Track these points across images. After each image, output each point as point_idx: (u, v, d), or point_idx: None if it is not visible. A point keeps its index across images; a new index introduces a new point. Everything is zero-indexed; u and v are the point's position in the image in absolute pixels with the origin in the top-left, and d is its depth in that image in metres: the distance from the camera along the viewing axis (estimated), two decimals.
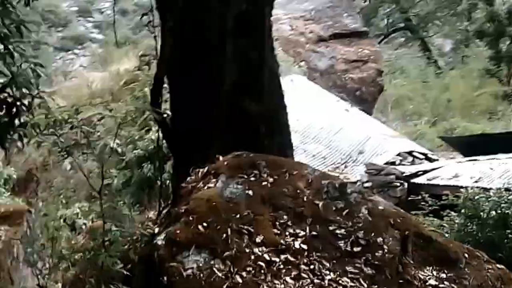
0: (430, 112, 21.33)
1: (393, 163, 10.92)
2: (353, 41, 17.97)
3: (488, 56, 23.12)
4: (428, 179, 8.98)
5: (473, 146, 10.43)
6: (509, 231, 5.97)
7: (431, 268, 3.27)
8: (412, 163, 10.99)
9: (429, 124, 19.21)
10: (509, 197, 6.09)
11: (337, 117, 12.74)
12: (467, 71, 25.52)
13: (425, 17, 29.37)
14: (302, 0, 19.62)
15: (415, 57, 29.92)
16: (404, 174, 9.24)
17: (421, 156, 11.32)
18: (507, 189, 6.28)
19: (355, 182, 9.76)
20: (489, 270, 3.28)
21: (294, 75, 14.71)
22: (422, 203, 7.15)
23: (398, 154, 11.15)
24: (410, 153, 11.39)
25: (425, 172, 9.47)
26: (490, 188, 6.87)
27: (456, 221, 6.34)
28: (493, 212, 6.09)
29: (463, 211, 6.31)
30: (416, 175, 9.32)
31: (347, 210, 3.58)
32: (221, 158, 4.12)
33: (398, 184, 9.06)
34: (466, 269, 3.30)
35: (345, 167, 10.70)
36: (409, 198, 7.88)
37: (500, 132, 11.11)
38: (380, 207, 3.65)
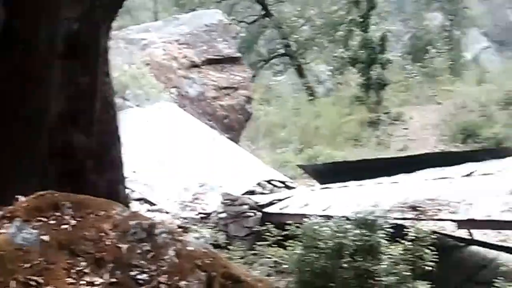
0: (299, 139, 22.00)
1: (252, 192, 11.01)
2: (225, 67, 17.91)
3: (359, 83, 24.26)
4: (280, 208, 9.09)
5: (327, 174, 10.78)
6: (343, 260, 6.09)
7: None
8: (271, 191, 11.14)
9: (295, 152, 19.78)
10: (345, 226, 6.23)
11: (204, 146, 12.79)
12: (338, 98, 26.74)
13: (304, 43, 30.38)
14: (179, 23, 19.36)
15: (292, 84, 30.99)
16: (258, 204, 9.29)
17: (280, 185, 11.53)
18: (345, 218, 6.41)
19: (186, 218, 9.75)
20: None
21: (163, 102, 14.69)
22: (267, 233, 7.20)
23: (258, 184, 11.28)
24: (269, 181, 11.56)
25: (279, 200, 9.59)
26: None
27: (296, 251, 6.39)
28: (330, 242, 6.21)
29: (303, 240, 6.39)
30: (270, 204, 9.39)
31: (153, 253, 3.39)
32: (21, 198, 3.79)
33: (252, 214, 9.10)
34: None
35: (205, 196, 10.66)
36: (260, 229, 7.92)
37: (358, 159, 11.58)
38: (189, 248, 3.48)
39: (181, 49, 17.72)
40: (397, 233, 6.44)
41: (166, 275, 3.24)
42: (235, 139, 15.76)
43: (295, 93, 29.02)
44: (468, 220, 7.43)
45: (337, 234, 6.22)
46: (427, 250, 6.21)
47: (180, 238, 3.53)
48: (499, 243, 10.61)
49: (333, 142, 21.61)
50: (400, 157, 10.86)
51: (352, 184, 9.81)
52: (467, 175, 8.67)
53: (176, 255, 3.35)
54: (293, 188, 11.51)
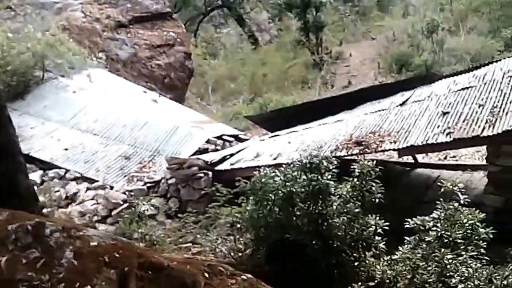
0: (248, 89, 21.69)
1: (205, 151, 10.71)
2: (156, 24, 16.55)
3: (298, 28, 23.91)
4: (231, 164, 8.81)
5: (275, 121, 10.54)
6: (296, 208, 5.92)
7: None
8: (223, 147, 10.86)
9: (246, 102, 19.49)
10: (293, 173, 6.02)
11: (143, 111, 12.09)
12: (281, 44, 26.40)
13: None
14: None
15: (235, 35, 30.32)
16: (209, 163, 8.96)
17: (231, 139, 11.25)
18: (292, 164, 6.18)
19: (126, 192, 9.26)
20: (233, 286, 3.01)
21: (91, 69, 13.42)
22: (217, 193, 6.92)
23: (207, 141, 10.95)
24: (220, 137, 11.26)
25: (232, 155, 9.31)
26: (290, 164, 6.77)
27: (248, 207, 6.16)
28: (280, 192, 6.00)
29: (253, 195, 6.15)
30: (222, 161, 9.11)
31: (43, 260, 2.82)
32: None
33: (202, 174, 8.72)
34: None
35: (153, 164, 10.22)
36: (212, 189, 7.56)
37: (301, 103, 11.34)
38: (93, 243, 2.96)
39: (102, 9, 16.15)
40: (345, 171, 6.33)
41: (63, 284, 2.71)
42: (180, 98, 15.12)
43: (239, 44, 28.45)
44: (408, 147, 7.36)
45: (286, 183, 6.00)
46: (373, 183, 6.06)
47: (80, 234, 2.99)
48: (439, 162, 10.75)
49: (281, 88, 21.43)
50: (340, 95, 10.69)
51: (299, 128, 9.62)
52: (402, 104, 8.57)
53: (75, 256, 2.83)
54: (246, 140, 11.24)
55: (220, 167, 8.99)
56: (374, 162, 6.19)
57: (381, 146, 7.63)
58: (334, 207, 5.88)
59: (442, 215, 5.49)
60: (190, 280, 3.02)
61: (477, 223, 5.45)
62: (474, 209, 5.55)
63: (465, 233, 5.31)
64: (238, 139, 11.40)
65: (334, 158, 6.23)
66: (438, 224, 5.32)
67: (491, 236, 5.42)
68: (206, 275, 3.09)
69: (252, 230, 6.24)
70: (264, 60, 23.75)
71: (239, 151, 9.40)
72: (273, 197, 6.07)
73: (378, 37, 24.49)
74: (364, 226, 5.76)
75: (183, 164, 8.92)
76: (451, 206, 5.53)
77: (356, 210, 5.87)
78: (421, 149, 7.45)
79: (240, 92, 22.10)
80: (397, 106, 8.60)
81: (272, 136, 9.85)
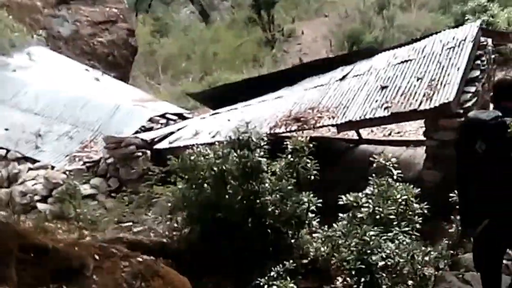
0: (199, 68, 21.17)
1: (148, 130, 10.28)
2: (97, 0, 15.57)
3: (250, 5, 23.39)
4: (170, 142, 8.43)
5: (217, 98, 10.16)
6: (228, 187, 5.62)
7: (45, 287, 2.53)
8: (166, 126, 10.44)
9: (196, 81, 19.01)
10: (224, 150, 5.71)
11: (85, 89, 11.57)
12: (233, 22, 25.84)
13: None
14: None
15: (186, 13, 29.58)
16: (148, 141, 8.56)
17: (175, 117, 10.83)
18: (226, 141, 5.85)
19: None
20: (126, 268, 2.69)
21: (32, 47, 12.88)
22: (150, 172, 6.56)
23: (150, 120, 10.51)
24: (163, 115, 10.83)
25: (172, 133, 8.93)
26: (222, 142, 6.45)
27: (179, 186, 5.83)
28: (211, 170, 5.70)
29: (184, 173, 5.82)
30: (162, 140, 8.72)
31: None
32: None
33: (140, 154, 8.34)
34: (94, 276, 2.65)
35: (95, 143, 9.76)
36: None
37: (242, 79, 10.96)
38: None
39: None
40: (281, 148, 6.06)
41: None
42: (125, 76, 14.56)
43: (191, 22, 27.76)
44: (346, 122, 7.13)
45: (216, 160, 5.68)
46: (308, 160, 5.80)
47: None
48: (384, 138, 10.62)
49: (232, 66, 20.97)
50: (282, 71, 10.39)
51: (240, 105, 9.28)
52: (341, 79, 8.32)
53: None
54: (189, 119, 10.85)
55: (159, 146, 8.61)
56: (308, 138, 5.92)
57: (319, 122, 7.38)
58: (267, 185, 5.60)
59: (376, 191, 5.29)
60: (77, 263, 2.74)
61: (411, 199, 5.28)
62: (410, 185, 5.37)
63: (397, 209, 5.12)
64: (182, 117, 10.99)
65: (269, 135, 5.96)
66: (370, 200, 5.10)
67: (425, 211, 5.28)
68: (97, 257, 2.77)
69: (185, 209, 5.91)
70: (215, 38, 23.17)
71: (179, 129, 9.02)
72: (204, 176, 5.76)
73: (330, 14, 24.15)
74: (297, 203, 5.51)
75: (120, 143, 8.50)
76: (384, 182, 5.34)
77: (289, 187, 5.61)
78: (360, 124, 7.23)
79: (191, 71, 21.56)
80: (337, 81, 8.36)
81: (213, 114, 9.49)
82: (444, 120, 6.77)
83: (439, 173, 6.97)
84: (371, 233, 3.89)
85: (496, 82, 4.02)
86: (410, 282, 3.45)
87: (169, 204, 6.02)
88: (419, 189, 5.34)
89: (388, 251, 3.48)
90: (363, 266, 3.54)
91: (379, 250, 3.70)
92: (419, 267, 3.40)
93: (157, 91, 17.28)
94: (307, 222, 5.56)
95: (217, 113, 9.40)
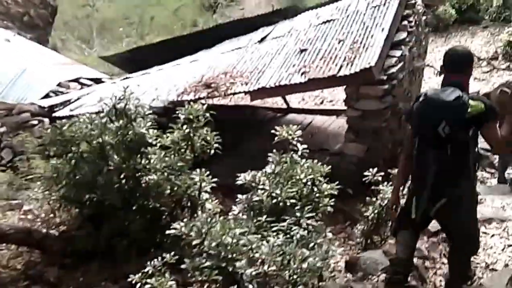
0: (137, 33, 19.74)
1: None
2: None
3: None
4: (71, 110, 7.30)
5: (133, 61, 9.03)
6: (108, 163, 4.62)
7: None
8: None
9: (131, 47, 17.62)
10: (102, 120, 4.69)
11: None
12: None
13: None
14: None
15: None
16: (45, 109, 7.40)
17: (90, 83, 9.62)
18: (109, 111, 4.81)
19: None
20: None
21: None
22: (26, 144, 5.47)
23: (59, 85, 9.28)
24: (76, 80, 9.61)
25: (75, 101, 7.78)
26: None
27: (52, 161, 4.79)
28: (87, 143, 4.69)
29: (56, 146, 4.78)
30: (64, 107, 7.57)
31: None
32: None
33: (36, 122, 7.19)
34: None
35: None
36: None
37: (159, 41, 9.82)
38: None
39: None
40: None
41: None
42: (43, 38, 13.11)
43: None
44: (260, 89, 6.19)
45: (92, 131, 4.65)
46: (206, 131, 4.86)
47: None
48: (315, 107, 9.80)
49: (171, 31, 19.62)
50: (203, 31, 9.33)
51: (153, 69, 8.21)
52: (260, 41, 7.36)
53: None
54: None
55: (59, 113, 7.46)
56: (205, 106, 4.93)
57: (231, 89, 6.42)
58: (152, 161, 4.63)
59: (277, 169, 4.42)
60: None
61: (320, 178, 4.44)
62: (316, 162, 4.52)
63: (300, 191, 4.26)
64: (98, 83, 9.78)
65: (176, 102, 4.95)
66: (267, 182, 4.21)
67: (334, 192, 4.47)
68: None
69: (60, 189, 4.88)
70: (153, 2, 21.67)
71: (83, 95, 7.87)
72: (79, 150, 4.74)
73: None
74: (187, 182, 4.57)
75: (12, 110, 7.31)
76: (287, 159, 4.47)
77: (180, 163, 4.65)
78: (274, 91, 6.29)
79: (129, 35, 20.07)
80: (255, 43, 7.39)
81: (124, 79, 8.38)
82: (365, 87, 5.94)
83: (362, 146, 6.18)
84: (237, 231, 2.97)
85: (446, 52, 3.44)
86: None
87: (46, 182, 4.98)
88: (329, 167, 4.53)
89: (258, 255, 2.61)
90: (221, 277, 2.65)
91: (248, 253, 2.80)
92: (295, 276, 2.56)
93: (89, 57, 15.83)
94: (200, 205, 4.63)
95: (128, 77, 8.30)
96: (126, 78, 8.33)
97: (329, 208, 4.56)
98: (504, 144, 3.18)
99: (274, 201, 4.03)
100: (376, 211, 4.61)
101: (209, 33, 8.66)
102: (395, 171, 4.78)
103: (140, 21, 20.62)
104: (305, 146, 4.58)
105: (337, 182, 4.56)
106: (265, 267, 2.65)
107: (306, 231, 3.87)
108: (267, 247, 2.68)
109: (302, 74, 6.06)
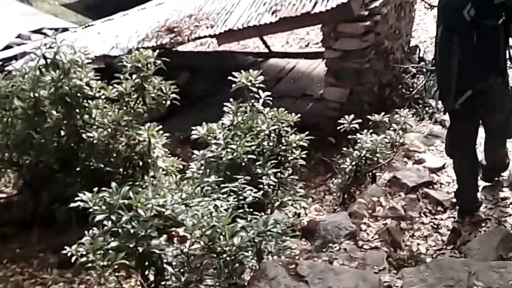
0: None
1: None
2: None
3: None
4: (25, 63, 6.68)
5: (101, 7, 8.36)
6: (45, 120, 4.14)
7: None
8: None
9: None
10: (35, 73, 4.17)
11: None
12: None
13: None
14: None
15: None
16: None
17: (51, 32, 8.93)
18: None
19: None
20: None
21: None
22: None
23: (19, 36, 8.63)
24: (39, 31, 8.94)
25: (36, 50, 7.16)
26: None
27: None
28: (19, 99, 4.19)
29: None
30: (16, 60, 6.98)
31: None
32: None
33: None
34: None
35: None
36: None
37: None
38: None
39: None
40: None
41: None
42: None
43: None
44: (226, 32, 5.59)
45: (23, 85, 4.13)
46: (161, 80, 4.33)
47: None
48: (299, 51, 9.17)
49: None
50: None
51: (118, 15, 7.56)
52: None
53: None
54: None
55: (12, 67, 6.85)
56: (156, 52, 4.36)
57: (195, 33, 5.82)
58: (93, 116, 4.12)
59: (236, 119, 3.91)
60: None
61: (285, 128, 3.94)
62: (283, 110, 4.01)
63: (261, 144, 3.77)
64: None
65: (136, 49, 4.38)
66: (221, 135, 3.71)
67: (304, 144, 3.98)
68: None
69: None
70: None
71: (38, 47, 7.23)
72: (11, 106, 4.23)
73: None
74: (135, 139, 4.08)
75: None
76: (247, 108, 3.95)
77: (125, 118, 4.14)
78: (242, 33, 5.68)
79: None
80: None
81: (86, 27, 7.74)
82: (344, 25, 5.34)
83: (344, 90, 5.65)
84: (177, 196, 2.47)
85: None
86: (209, 281, 2.13)
87: None
88: (298, 116, 4.02)
89: (189, 225, 2.11)
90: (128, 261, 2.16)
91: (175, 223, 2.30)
92: (225, 254, 2.07)
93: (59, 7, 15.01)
94: (151, 164, 4.14)
95: (90, 25, 7.66)
96: (88, 26, 7.68)
97: (300, 161, 4.15)
98: None
99: (230, 156, 3.56)
100: (353, 163, 4.12)
101: None
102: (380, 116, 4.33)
103: None
104: (269, 93, 4.06)
105: (307, 132, 4.08)
106: (187, 244, 2.18)
107: (267, 189, 3.42)
108: (191, 219, 2.19)
109: (273, 13, 5.45)
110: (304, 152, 4.01)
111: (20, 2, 11.81)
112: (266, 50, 8.88)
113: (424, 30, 8.34)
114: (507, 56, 3.20)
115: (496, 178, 3.69)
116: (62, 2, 13.36)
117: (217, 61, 8.42)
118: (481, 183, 3.58)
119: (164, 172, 4.23)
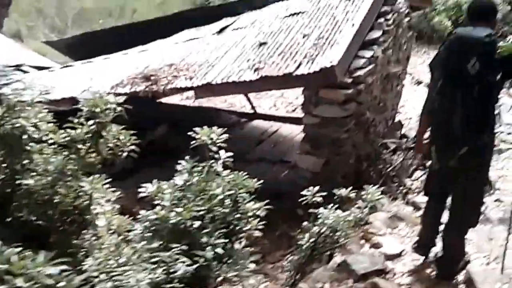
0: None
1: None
2: None
3: None
4: None
5: (81, 48, 8.16)
6: None
7: None
8: None
9: None
10: None
11: None
12: None
13: None
14: None
15: None
16: None
17: (31, 70, 8.72)
18: None
19: None
20: None
21: None
22: None
23: None
24: (18, 67, 8.71)
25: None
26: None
27: None
28: None
29: None
30: None
31: None
32: None
33: None
34: None
35: None
36: None
37: (110, 28, 8.97)
38: None
39: None
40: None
41: None
42: None
43: None
44: (204, 85, 5.32)
45: None
46: (121, 129, 3.96)
47: None
48: (286, 115, 8.94)
49: None
50: (153, 20, 8.51)
51: (99, 58, 7.35)
52: (219, 32, 6.52)
53: None
54: None
55: None
56: (121, 98, 4.04)
57: (172, 83, 5.54)
58: (34, 161, 3.74)
59: (194, 180, 3.54)
60: None
61: (242, 194, 3.57)
62: (245, 174, 3.66)
63: (211, 209, 3.38)
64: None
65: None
66: (167, 196, 3.33)
67: (261, 214, 3.60)
68: None
69: None
70: None
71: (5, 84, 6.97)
72: None
73: None
74: (75, 192, 3.68)
75: None
76: (204, 168, 3.59)
77: (71, 166, 3.75)
78: (221, 89, 5.39)
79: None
80: (213, 34, 6.54)
81: (63, 67, 7.51)
82: (326, 90, 5.09)
83: (318, 159, 5.32)
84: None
85: (471, 2, 3.41)
86: None
87: None
88: (260, 182, 3.66)
89: None
90: None
91: None
92: None
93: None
94: (89, 220, 3.72)
95: (69, 66, 7.43)
96: (66, 66, 7.46)
97: (256, 233, 3.76)
98: None
99: (174, 221, 3.17)
100: (312, 240, 3.72)
101: (173, 21, 7.79)
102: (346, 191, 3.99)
103: (121, 13, 19.78)
104: (230, 154, 3.72)
105: (266, 201, 3.71)
106: None
107: (209, 262, 3.01)
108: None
109: (255, 70, 5.20)
110: (263, 222, 3.62)
111: (10, 38, 11.73)
112: (252, 111, 8.66)
113: (412, 107, 8.16)
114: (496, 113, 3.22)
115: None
116: (48, 40, 13.29)
117: (200, 116, 8.17)
118: None
119: (111, 231, 3.80)
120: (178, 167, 3.54)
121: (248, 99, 8.59)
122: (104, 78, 6.22)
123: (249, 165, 6.96)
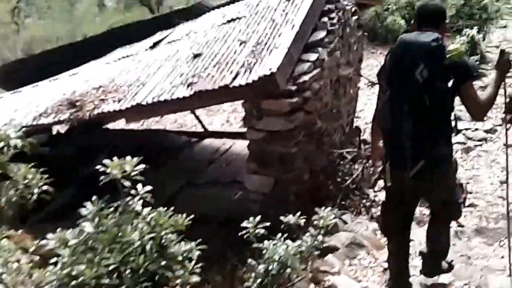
0: None
1: None
2: None
3: None
4: None
5: (14, 75, 7.47)
6: None
7: None
8: None
9: None
10: None
11: None
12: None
13: None
14: None
15: None
16: None
17: None
18: None
19: None
20: None
21: None
22: None
23: None
24: None
25: None
26: None
27: None
28: None
29: None
30: None
31: None
32: None
33: None
34: None
35: None
36: None
37: (41, 52, 8.31)
38: None
39: None
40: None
41: None
42: None
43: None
44: (133, 107, 4.68)
45: None
46: (22, 169, 3.32)
47: None
48: (238, 131, 8.33)
49: None
50: (84, 40, 7.85)
51: (27, 87, 6.65)
52: (152, 47, 5.92)
53: None
54: None
55: None
56: (23, 129, 3.39)
57: (99, 107, 4.89)
58: None
59: (106, 225, 2.89)
60: None
61: (170, 236, 2.94)
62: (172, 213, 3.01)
63: (128, 260, 2.74)
64: None
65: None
66: (66, 251, 2.67)
67: (193, 256, 2.98)
68: None
69: None
70: (90, 18, 20.20)
71: None
72: None
73: None
74: None
75: None
76: (120, 209, 2.95)
77: None
78: (152, 109, 4.75)
79: None
80: (146, 50, 5.93)
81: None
82: (268, 101, 4.50)
83: (267, 179, 4.72)
84: None
85: (418, 6, 3.13)
86: None
87: None
88: (189, 219, 3.02)
89: None
90: None
91: None
92: None
93: None
94: None
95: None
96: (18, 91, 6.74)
97: (194, 278, 3.12)
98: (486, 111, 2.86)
99: (75, 282, 2.52)
100: (258, 281, 3.10)
101: (105, 39, 7.15)
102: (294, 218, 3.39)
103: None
104: (149, 188, 3.08)
105: (198, 241, 3.09)
106: None
107: None
108: None
109: (188, 86, 4.59)
110: (198, 266, 2.99)
111: None
112: (202, 129, 8.05)
113: (372, 111, 7.63)
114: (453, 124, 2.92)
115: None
116: None
117: (146, 140, 7.51)
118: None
119: None
120: (83, 211, 2.88)
121: (197, 117, 7.98)
122: (28, 109, 5.55)
123: (200, 189, 6.35)
